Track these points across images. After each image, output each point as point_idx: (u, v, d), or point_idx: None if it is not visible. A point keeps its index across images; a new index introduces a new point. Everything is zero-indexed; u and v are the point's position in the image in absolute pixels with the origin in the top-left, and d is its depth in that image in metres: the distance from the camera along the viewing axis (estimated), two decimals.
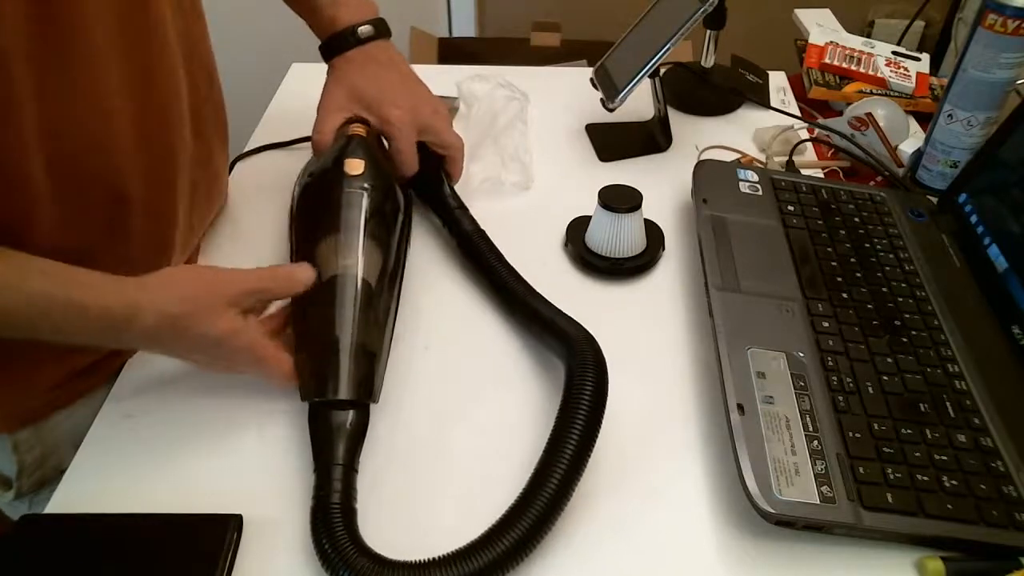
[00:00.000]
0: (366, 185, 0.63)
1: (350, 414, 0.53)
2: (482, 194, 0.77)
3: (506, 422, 0.58)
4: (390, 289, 0.61)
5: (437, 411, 0.59)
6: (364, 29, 0.70)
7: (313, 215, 0.63)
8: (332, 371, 0.54)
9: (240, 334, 0.53)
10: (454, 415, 0.58)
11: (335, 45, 0.70)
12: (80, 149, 0.53)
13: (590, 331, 0.56)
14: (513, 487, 0.49)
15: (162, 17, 0.58)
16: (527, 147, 0.84)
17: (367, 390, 0.55)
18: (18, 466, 0.63)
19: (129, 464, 0.55)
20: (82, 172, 0.54)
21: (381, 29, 0.71)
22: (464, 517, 0.49)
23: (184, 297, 0.51)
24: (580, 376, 0.52)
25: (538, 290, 0.63)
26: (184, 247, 0.67)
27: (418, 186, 0.73)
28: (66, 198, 0.54)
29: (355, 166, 0.63)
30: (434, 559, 0.45)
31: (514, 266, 0.65)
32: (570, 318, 0.59)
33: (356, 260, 0.59)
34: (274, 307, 0.60)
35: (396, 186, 0.67)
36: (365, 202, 0.62)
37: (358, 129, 0.68)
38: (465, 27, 1.90)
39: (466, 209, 0.69)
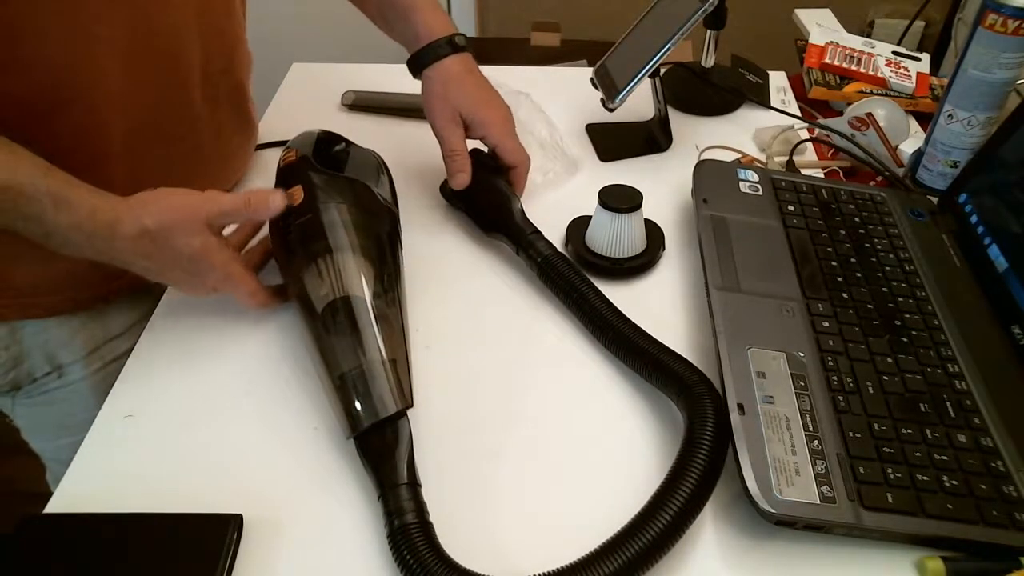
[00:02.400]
0: (319, 204, 0.62)
1: (396, 427, 0.53)
2: None
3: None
4: (390, 291, 0.60)
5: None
6: (459, 39, 0.73)
7: (288, 255, 0.62)
8: (371, 395, 0.53)
9: (213, 252, 0.57)
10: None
11: (431, 52, 0.72)
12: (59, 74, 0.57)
13: (702, 372, 0.55)
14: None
15: None
16: (561, 133, 0.85)
17: (403, 396, 0.54)
18: None
19: (129, 464, 0.55)
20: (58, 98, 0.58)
21: (468, 43, 0.74)
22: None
23: (163, 211, 0.55)
24: (700, 429, 0.51)
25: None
26: None
27: (485, 213, 0.72)
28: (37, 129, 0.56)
29: (296, 195, 0.63)
30: None
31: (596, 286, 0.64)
32: (678, 355, 0.57)
33: (340, 280, 0.58)
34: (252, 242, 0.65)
35: (356, 189, 0.65)
36: (324, 221, 0.60)
37: (288, 156, 0.68)
38: (465, 27, 1.90)
39: (540, 232, 0.67)
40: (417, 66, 0.73)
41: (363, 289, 0.58)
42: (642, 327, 0.60)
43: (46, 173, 0.53)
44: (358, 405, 0.53)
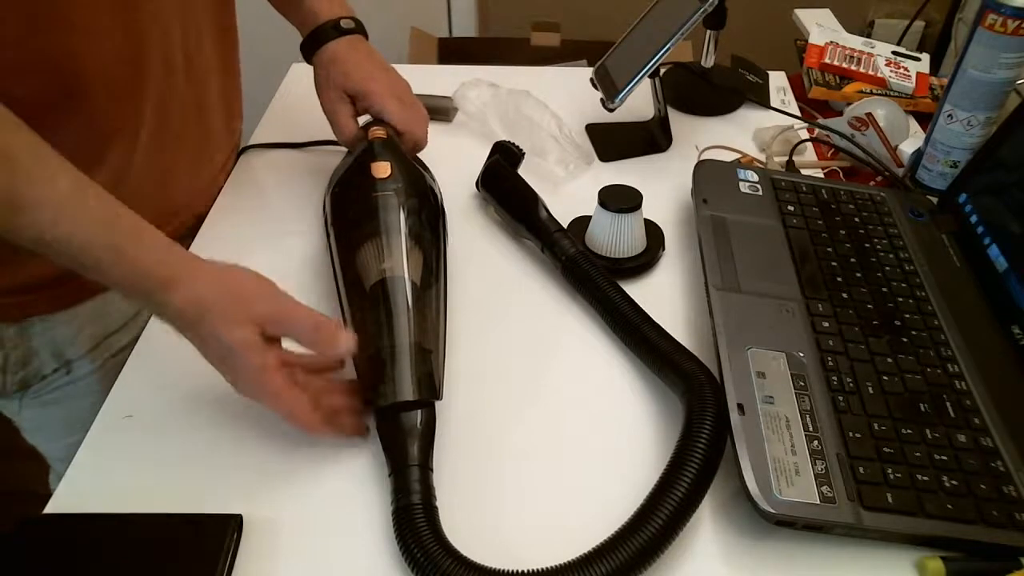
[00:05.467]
0: (396, 186, 0.63)
1: (418, 414, 0.53)
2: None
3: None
4: (436, 285, 0.61)
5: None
6: (346, 22, 0.72)
7: (349, 223, 0.63)
8: (394, 374, 0.54)
9: (252, 353, 0.50)
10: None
11: (317, 38, 0.72)
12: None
13: (709, 369, 0.55)
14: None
15: None
16: (569, 126, 0.85)
17: (430, 388, 0.54)
18: (3, 361, 0.69)
19: (129, 464, 0.55)
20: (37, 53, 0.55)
21: (359, 26, 0.74)
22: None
23: (221, 285, 0.51)
24: (699, 422, 0.51)
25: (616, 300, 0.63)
26: (160, 199, 0.70)
27: (512, 209, 0.72)
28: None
29: (382, 169, 0.64)
30: (522, 572, 0.46)
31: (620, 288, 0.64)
32: (690, 353, 0.57)
33: (400, 261, 0.59)
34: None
35: (426, 181, 0.68)
36: (399, 202, 0.62)
37: (378, 132, 0.69)
38: (465, 27, 1.90)
39: (565, 231, 0.68)
40: (307, 54, 0.73)
41: (412, 274, 0.59)
42: (663, 327, 0.60)
43: (112, 225, 0.50)
44: (381, 383, 0.54)
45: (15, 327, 0.68)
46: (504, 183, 0.74)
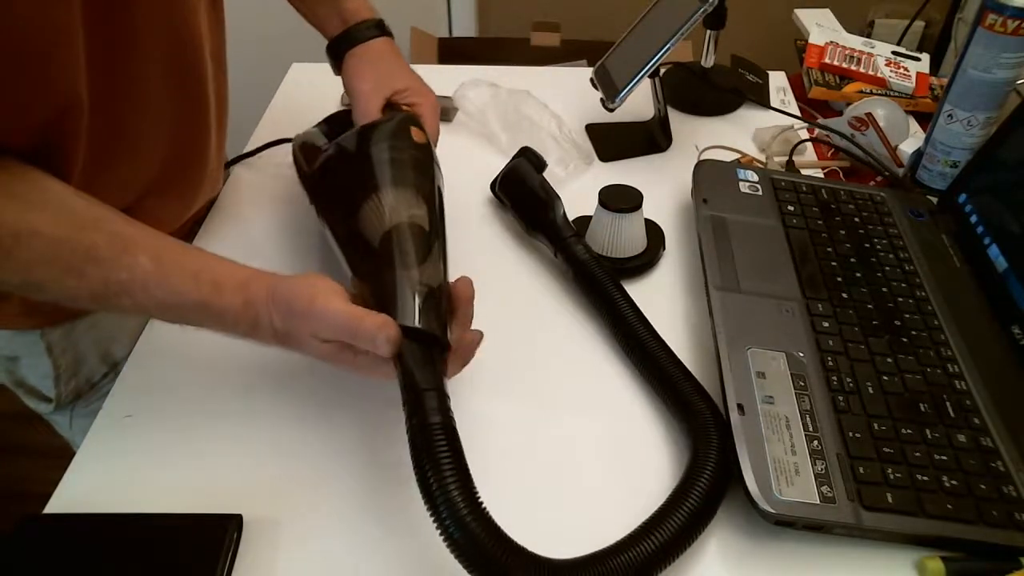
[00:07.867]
0: (426, 154, 0.63)
1: (429, 350, 0.51)
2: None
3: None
4: (441, 239, 0.59)
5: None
6: (385, 24, 0.73)
7: (374, 168, 0.61)
8: (404, 303, 0.52)
9: (328, 359, 0.53)
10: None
11: (356, 34, 0.72)
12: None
13: (715, 404, 0.55)
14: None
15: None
16: (569, 127, 0.85)
17: (441, 326, 0.52)
18: (54, 370, 0.69)
19: (129, 464, 0.55)
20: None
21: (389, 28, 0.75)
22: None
23: (282, 319, 0.52)
24: (703, 461, 0.51)
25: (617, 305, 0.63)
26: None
27: (528, 210, 0.72)
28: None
29: (420, 135, 0.64)
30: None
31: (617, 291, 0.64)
32: (697, 383, 0.57)
33: (424, 214, 0.58)
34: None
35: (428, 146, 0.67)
36: (430, 166, 0.62)
37: (407, 108, 0.69)
38: (465, 27, 1.90)
39: (580, 236, 0.68)
40: (341, 47, 0.72)
41: (431, 228, 0.57)
42: (669, 345, 0.59)
43: (194, 285, 0.52)
44: (391, 311, 0.51)
45: (60, 330, 0.67)
46: (524, 183, 0.73)
